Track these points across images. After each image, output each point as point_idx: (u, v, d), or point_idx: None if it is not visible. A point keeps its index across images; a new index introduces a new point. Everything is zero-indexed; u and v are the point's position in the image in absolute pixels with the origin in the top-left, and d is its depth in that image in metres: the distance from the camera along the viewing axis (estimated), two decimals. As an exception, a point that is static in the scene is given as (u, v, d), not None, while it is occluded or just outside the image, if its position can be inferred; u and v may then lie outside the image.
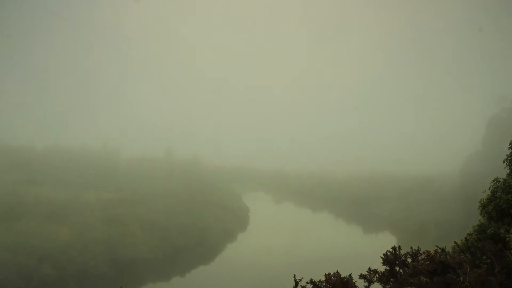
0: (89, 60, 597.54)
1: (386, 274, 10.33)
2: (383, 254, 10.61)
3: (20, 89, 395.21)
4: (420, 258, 10.73)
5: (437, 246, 11.22)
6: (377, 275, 10.23)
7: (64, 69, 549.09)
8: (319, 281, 9.80)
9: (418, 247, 11.10)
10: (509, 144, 17.09)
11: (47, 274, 64.17)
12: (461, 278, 9.45)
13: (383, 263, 10.57)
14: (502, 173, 17.39)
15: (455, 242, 14.58)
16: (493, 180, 16.78)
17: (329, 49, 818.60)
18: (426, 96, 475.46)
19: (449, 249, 13.95)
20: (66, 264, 68.17)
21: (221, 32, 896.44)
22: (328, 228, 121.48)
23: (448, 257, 10.44)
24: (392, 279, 10.21)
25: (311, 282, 9.74)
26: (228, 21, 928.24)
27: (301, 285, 9.58)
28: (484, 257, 11.33)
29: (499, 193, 15.89)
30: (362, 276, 10.07)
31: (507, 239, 14.15)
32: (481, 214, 16.56)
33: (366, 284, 10.02)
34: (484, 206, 16.25)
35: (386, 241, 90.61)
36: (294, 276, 9.58)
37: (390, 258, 10.50)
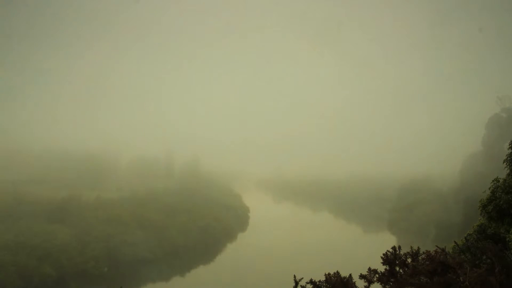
0: (89, 61, 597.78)
1: (386, 274, 10.33)
2: (383, 254, 10.61)
3: (20, 89, 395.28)
4: (420, 258, 10.72)
5: (437, 246, 11.20)
6: (377, 275, 10.22)
7: (64, 69, 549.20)
8: (319, 281, 9.79)
9: (418, 247, 11.08)
10: (509, 144, 17.08)
11: (47, 274, 64.14)
12: (461, 278, 9.45)
13: (383, 263, 10.56)
14: (502, 173, 17.37)
15: (455, 242, 14.59)
16: (493, 180, 16.75)
17: (328, 49, 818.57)
18: (425, 96, 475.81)
19: (449, 249, 13.95)
20: (66, 264, 68.15)
21: (223, 33, 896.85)
22: (328, 228, 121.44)
23: (448, 257, 10.43)
24: (392, 279, 10.21)
25: (311, 282, 9.74)
26: (229, 22, 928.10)
27: (301, 285, 9.57)
28: (484, 257, 11.33)
29: (499, 193, 15.85)
30: (362, 276, 10.06)
31: (507, 239, 14.16)
32: (481, 214, 16.54)
33: (366, 284, 10.02)
34: (484, 206, 16.23)
35: (386, 241, 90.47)
36: (294, 276, 9.57)
37: (390, 258, 10.49)
